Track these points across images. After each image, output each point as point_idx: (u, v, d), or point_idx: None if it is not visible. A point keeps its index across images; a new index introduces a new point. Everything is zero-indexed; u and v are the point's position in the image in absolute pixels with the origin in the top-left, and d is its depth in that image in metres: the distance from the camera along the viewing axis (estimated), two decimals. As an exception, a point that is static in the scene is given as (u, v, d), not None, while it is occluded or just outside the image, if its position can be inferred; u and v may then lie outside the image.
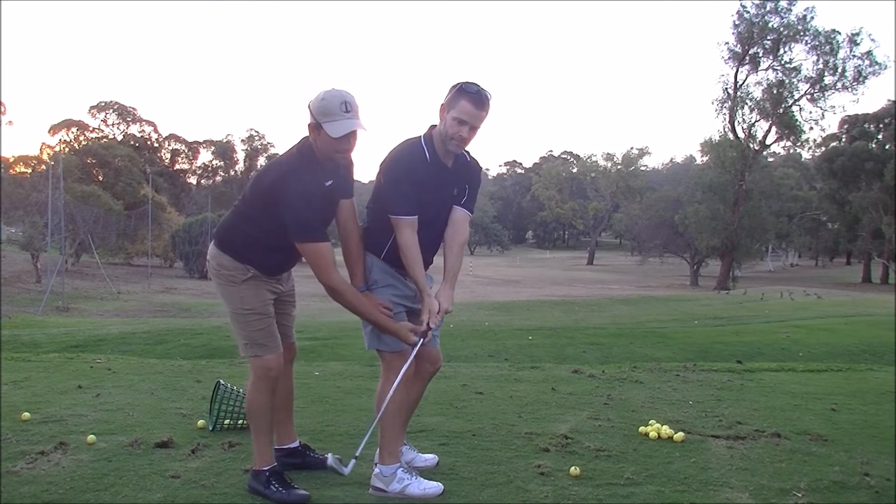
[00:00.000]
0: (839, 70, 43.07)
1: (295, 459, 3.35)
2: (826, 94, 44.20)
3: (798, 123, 45.35)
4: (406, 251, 2.97)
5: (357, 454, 2.86)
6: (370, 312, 2.96)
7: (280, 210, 2.88)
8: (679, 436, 3.84)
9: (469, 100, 2.91)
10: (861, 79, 42.73)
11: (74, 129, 58.68)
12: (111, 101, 61.52)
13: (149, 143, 62.91)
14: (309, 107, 2.89)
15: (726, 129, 46.65)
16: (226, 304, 3.09)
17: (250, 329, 3.02)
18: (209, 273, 3.18)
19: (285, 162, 2.98)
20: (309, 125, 2.91)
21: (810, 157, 60.32)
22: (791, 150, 58.02)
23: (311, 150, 2.94)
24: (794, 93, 44.87)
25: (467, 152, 3.18)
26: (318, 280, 2.93)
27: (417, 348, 3.02)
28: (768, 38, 43.54)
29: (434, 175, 3.02)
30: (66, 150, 51.00)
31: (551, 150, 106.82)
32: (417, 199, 2.98)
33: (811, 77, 44.00)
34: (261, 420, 3.07)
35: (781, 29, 43.27)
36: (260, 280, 3.06)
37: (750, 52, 44.50)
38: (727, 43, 45.16)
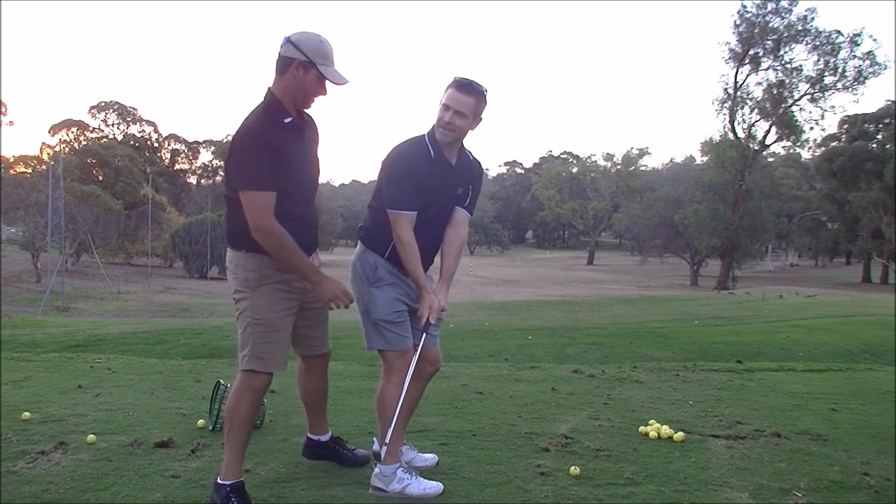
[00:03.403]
0: (839, 70, 43.07)
1: (324, 451, 3.40)
2: (826, 94, 44.21)
3: (798, 123, 45.34)
4: (404, 247, 2.95)
5: (387, 440, 2.93)
6: (302, 262, 2.82)
7: (230, 160, 2.78)
8: (679, 436, 3.84)
9: (454, 86, 2.95)
10: (861, 79, 42.72)
11: (74, 129, 58.63)
12: (111, 101, 61.47)
13: (149, 143, 62.84)
14: (295, 42, 2.76)
15: (726, 129, 46.69)
16: (237, 310, 2.93)
17: (254, 340, 2.84)
18: (228, 278, 3.00)
19: (246, 117, 2.85)
20: (293, 61, 2.76)
21: (810, 157, 60.32)
22: (791, 150, 58.04)
23: (271, 94, 2.83)
24: (795, 93, 44.87)
25: (469, 152, 3.18)
26: (251, 223, 2.74)
27: (420, 349, 3.02)
28: (769, 38, 43.52)
29: (437, 173, 3.02)
30: (67, 150, 50.95)
31: (551, 150, 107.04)
32: (419, 196, 2.97)
33: (811, 77, 44.02)
34: (237, 431, 2.90)
35: (782, 29, 43.27)
36: (275, 284, 2.87)
37: (750, 53, 44.49)
38: (728, 43, 45.24)
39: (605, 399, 4.89)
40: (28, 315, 17.85)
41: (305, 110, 2.95)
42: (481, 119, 3.04)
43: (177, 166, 67.52)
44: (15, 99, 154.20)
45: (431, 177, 3.00)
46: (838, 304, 19.68)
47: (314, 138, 3.04)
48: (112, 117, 61.54)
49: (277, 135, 2.76)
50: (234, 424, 2.90)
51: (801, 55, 44.20)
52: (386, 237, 3.02)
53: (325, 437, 3.41)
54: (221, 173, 71.93)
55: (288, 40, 2.78)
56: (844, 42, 42.65)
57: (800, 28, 43.16)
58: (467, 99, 2.94)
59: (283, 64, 2.79)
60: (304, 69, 2.77)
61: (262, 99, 2.86)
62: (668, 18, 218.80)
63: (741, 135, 46.29)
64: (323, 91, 2.84)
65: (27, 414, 4.15)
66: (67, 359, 6.65)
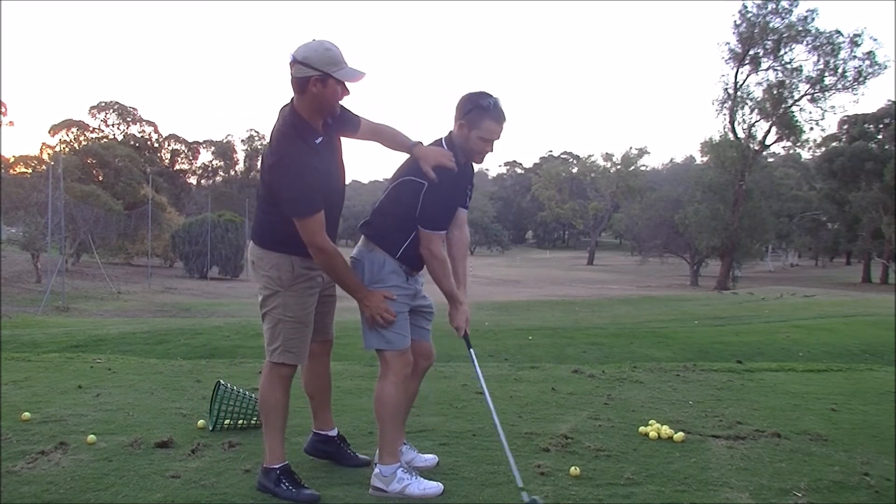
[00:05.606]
0: (839, 70, 43.10)
1: (329, 447, 3.39)
2: (826, 94, 44.26)
3: (798, 124, 45.38)
4: (442, 265, 3.06)
5: (520, 485, 2.89)
6: (350, 279, 2.95)
7: (276, 187, 2.84)
8: (679, 436, 3.84)
9: (492, 119, 3.02)
10: (861, 79, 42.76)
11: (75, 130, 58.70)
12: (111, 102, 61.56)
13: (149, 143, 62.91)
14: (303, 60, 2.75)
15: (726, 129, 46.74)
16: (264, 305, 3.02)
17: (285, 336, 2.99)
18: (252, 273, 3.11)
19: (277, 138, 2.88)
20: (308, 79, 2.77)
21: (810, 157, 60.43)
22: (791, 150, 58.13)
23: (296, 114, 2.86)
24: (795, 93, 44.91)
25: None
26: (307, 243, 2.84)
27: (420, 343, 3.12)
28: (769, 38, 43.55)
29: (456, 180, 3.09)
30: (67, 150, 51.01)
31: (551, 150, 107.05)
32: None
33: (812, 77, 44.04)
34: (273, 416, 3.06)
35: (782, 29, 43.28)
36: (305, 283, 3.00)
37: (751, 53, 44.52)
38: (728, 43, 45.28)
39: (605, 399, 4.89)
40: (28, 315, 17.83)
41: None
42: None
43: (177, 166, 67.64)
44: (15, 99, 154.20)
45: (454, 186, 3.08)
46: (838, 304, 19.66)
47: (339, 146, 3.08)
48: (112, 117, 61.63)
49: (316, 158, 2.84)
50: (269, 410, 3.06)
51: (801, 55, 44.33)
52: (400, 238, 3.04)
53: (332, 433, 3.42)
54: (221, 173, 72.18)
55: (296, 60, 2.78)
56: (844, 42, 42.72)
57: (800, 28, 43.19)
58: (502, 127, 3.07)
59: (301, 85, 2.80)
60: (321, 83, 2.79)
61: (287, 116, 2.88)
62: (668, 18, 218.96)
63: (741, 135, 46.34)
64: (346, 92, 2.88)
65: (27, 414, 4.15)
66: (67, 359, 6.65)
